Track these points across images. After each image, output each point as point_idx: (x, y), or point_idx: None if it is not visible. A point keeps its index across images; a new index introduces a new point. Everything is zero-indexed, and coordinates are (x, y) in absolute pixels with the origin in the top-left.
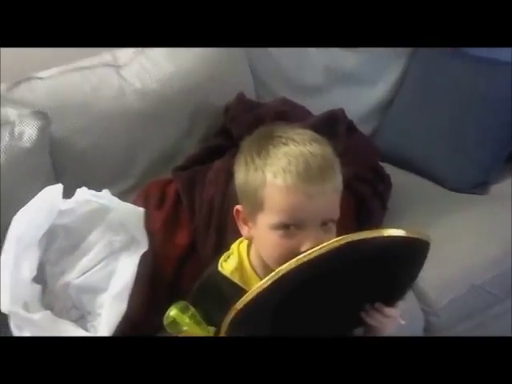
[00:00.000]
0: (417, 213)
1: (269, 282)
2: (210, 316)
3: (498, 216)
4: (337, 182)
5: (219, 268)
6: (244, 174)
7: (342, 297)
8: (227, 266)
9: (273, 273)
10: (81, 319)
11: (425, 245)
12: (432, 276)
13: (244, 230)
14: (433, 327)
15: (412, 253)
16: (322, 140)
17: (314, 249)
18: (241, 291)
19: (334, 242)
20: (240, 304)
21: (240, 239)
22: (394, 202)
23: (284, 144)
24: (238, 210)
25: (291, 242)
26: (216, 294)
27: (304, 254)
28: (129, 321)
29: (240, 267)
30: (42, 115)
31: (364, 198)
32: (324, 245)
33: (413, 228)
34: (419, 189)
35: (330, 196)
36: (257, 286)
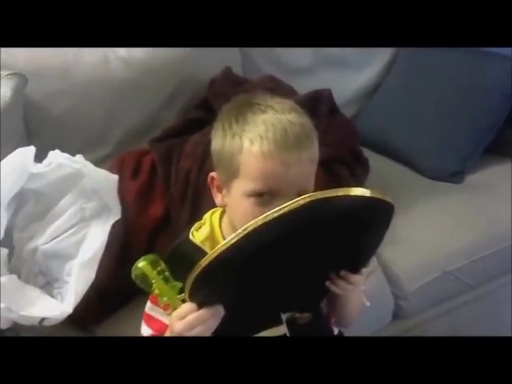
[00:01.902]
0: (393, 198)
1: (235, 239)
2: (180, 281)
3: (473, 205)
4: (313, 152)
5: (190, 236)
6: (221, 140)
7: (306, 260)
8: (198, 235)
9: (239, 230)
10: (47, 285)
11: (389, 207)
12: (404, 260)
13: (218, 197)
14: (402, 311)
15: (377, 215)
16: (300, 110)
17: (280, 207)
18: None
19: (299, 199)
20: (205, 261)
21: (213, 210)
22: (371, 186)
23: (263, 111)
24: (212, 177)
25: (264, 211)
26: (186, 262)
27: (271, 211)
28: (96, 290)
29: (211, 236)
30: (18, 76)
31: (341, 180)
32: (290, 203)
33: (378, 190)
34: (397, 175)
35: (305, 166)
36: (223, 243)
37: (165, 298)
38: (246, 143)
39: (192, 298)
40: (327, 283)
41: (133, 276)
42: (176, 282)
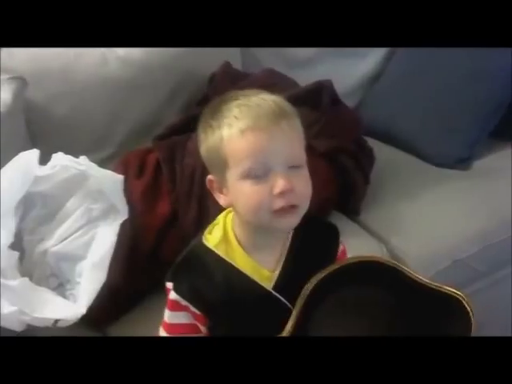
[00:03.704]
0: (400, 187)
1: None
2: (193, 288)
3: (481, 191)
4: (293, 121)
5: (203, 240)
6: (205, 142)
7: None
8: (212, 238)
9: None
10: (60, 287)
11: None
12: (414, 250)
13: (220, 198)
14: None
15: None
16: (275, 94)
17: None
18: (225, 265)
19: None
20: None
21: (227, 210)
22: (377, 176)
23: (235, 99)
24: (210, 180)
25: (263, 187)
26: (200, 267)
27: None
28: (108, 290)
29: (224, 239)
30: (18, 79)
31: (347, 170)
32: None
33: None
34: (402, 163)
35: (287, 133)
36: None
37: None
38: (225, 131)
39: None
40: None
41: None
42: None
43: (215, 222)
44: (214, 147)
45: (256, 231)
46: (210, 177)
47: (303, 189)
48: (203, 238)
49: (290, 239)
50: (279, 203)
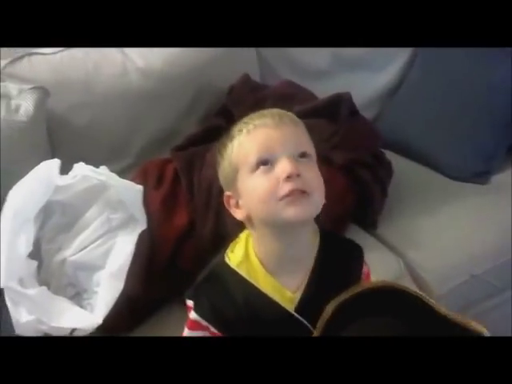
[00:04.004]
0: (418, 201)
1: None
2: (214, 309)
3: (499, 206)
4: (298, 122)
5: (226, 259)
6: (221, 163)
7: None
8: (234, 257)
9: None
10: (77, 296)
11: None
12: (432, 265)
13: (237, 213)
14: None
15: None
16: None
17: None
18: (247, 285)
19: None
20: None
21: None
22: (395, 189)
23: (241, 121)
24: (227, 196)
25: (271, 175)
26: (222, 287)
27: None
28: (125, 300)
29: (246, 259)
30: (40, 89)
31: (365, 183)
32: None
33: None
34: (420, 177)
35: (290, 126)
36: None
37: None
38: (235, 142)
39: None
40: None
41: None
42: None
43: (237, 240)
44: (228, 161)
45: (274, 246)
46: (226, 193)
47: (311, 175)
48: (225, 256)
49: (313, 260)
50: (286, 187)
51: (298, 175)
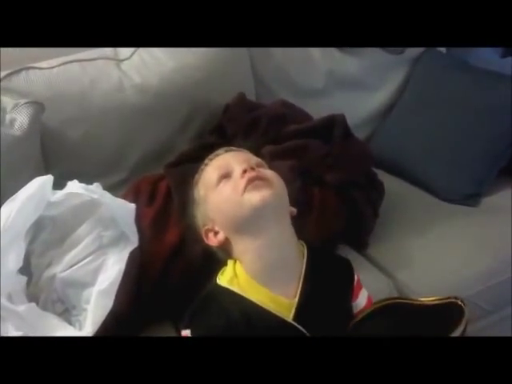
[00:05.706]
0: (408, 222)
1: None
2: (212, 330)
3: (489, 229)
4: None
5: (217, 281)
6: (195, 203)
7: None
8: (224, 277)
9: None
10: (65, 313)
11: None
12: (419, 285)
13: (217, 238)
14: None
15: None
16: None
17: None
18: (240, 299)
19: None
20: None
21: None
22: (386, 209)
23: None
24: (206, 230)
25: (232, 179)
26: (216, 308)
27: None
28: (114, 317)
29: (236, 276)
30: (35, 104)
31: (357, 204)
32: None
33: None
34: (411, 197)
35: (242, 151)
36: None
37: None
38: (202, 174)
39: None
40: None
41: None
42: None
43: (225, 267)
44: (197, 194)
45: (256, 255)
46: (204, 228)
47: (267, 171)
48: (216, 279)
49: (303, 267)
50: (244, 180)
51: (253, 168)
